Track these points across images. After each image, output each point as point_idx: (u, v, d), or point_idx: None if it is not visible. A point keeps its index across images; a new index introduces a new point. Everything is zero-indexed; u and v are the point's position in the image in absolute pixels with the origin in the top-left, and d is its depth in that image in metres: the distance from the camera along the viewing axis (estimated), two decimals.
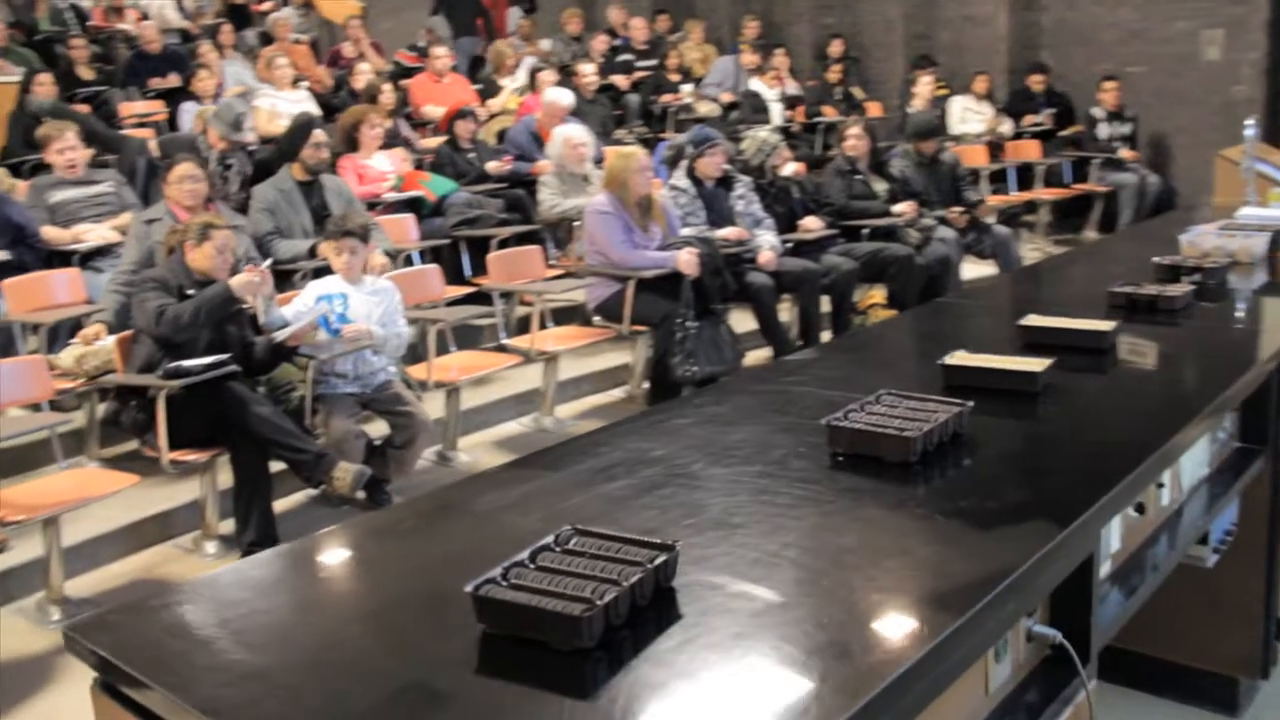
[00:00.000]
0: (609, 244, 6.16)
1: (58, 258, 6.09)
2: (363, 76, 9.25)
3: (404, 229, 6.78)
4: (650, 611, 1.62)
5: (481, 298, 6.52)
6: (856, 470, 2.13)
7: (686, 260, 6.04)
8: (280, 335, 4.78)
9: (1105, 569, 2.26)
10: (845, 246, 6.97)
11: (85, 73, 9.76)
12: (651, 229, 6.27)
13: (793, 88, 10.87)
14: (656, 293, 6.09)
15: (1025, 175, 9.58)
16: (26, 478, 4.66)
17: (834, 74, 10.84)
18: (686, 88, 10.56)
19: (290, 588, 1.91)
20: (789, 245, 6.81)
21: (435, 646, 1.60)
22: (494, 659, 1.55)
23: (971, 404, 2.29)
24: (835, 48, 11.20)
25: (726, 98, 10.05)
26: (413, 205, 7.35)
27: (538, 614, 1.52)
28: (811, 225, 6.96)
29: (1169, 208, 9.25)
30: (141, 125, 8.98)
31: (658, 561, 1.64)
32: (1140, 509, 2.38)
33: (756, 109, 10.14)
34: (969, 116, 9.79)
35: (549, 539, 1.72)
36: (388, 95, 8.64)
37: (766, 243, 6.58)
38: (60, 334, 5.44)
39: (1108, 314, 3.27)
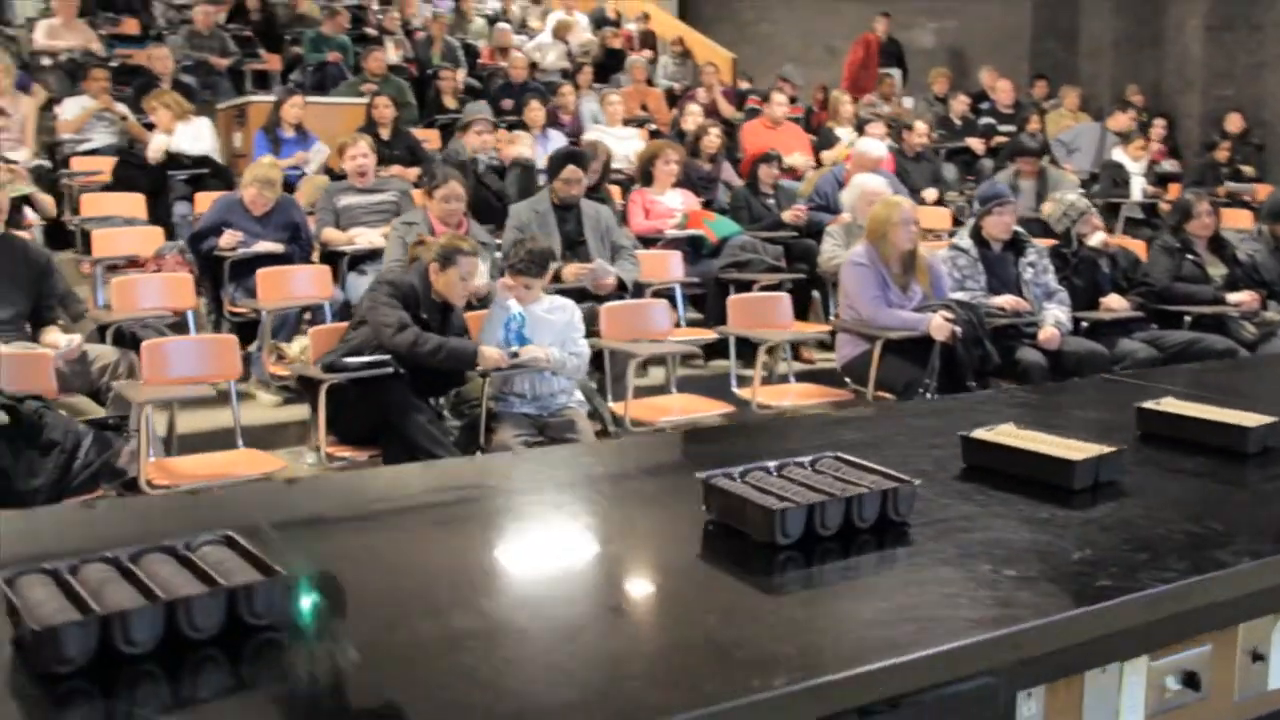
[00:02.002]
0: (860, 298, 5.62)
1: (337, 257, 6.43)
2: (692, 118, 9.22)
3: (664, 266, 6.57)
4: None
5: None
6: (713, 546, 1.60)
7: (938, 325, 5.38)
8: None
9: None
10: (1154, 333, 5.96)
11: (449, 102, 10.42)
12: (912, 287, 5.66)
13: (1170, 165, 9.67)
14: (904, 357, 5.48)
15: None
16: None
17: (1222, 151, 9.53)
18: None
19: None
20: (1084, 325, 5.93)
21: None
22: None
23: (918, 483, 1.68)
24: (1234, 123, 9.86)
25: (1068, 169, 9.05)
26: (695, 244, 7.16)
27: None
28: (1115, 305, 6.02)
29: None
30: None
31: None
32: (1193, 683, 1.66)
33: (1117, 182, 9.08)
34: None
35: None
36: (713, 138, 8.49)
37: (1052, 318, 5.75)
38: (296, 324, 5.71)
39: None
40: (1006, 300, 5.77)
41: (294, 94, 8.22)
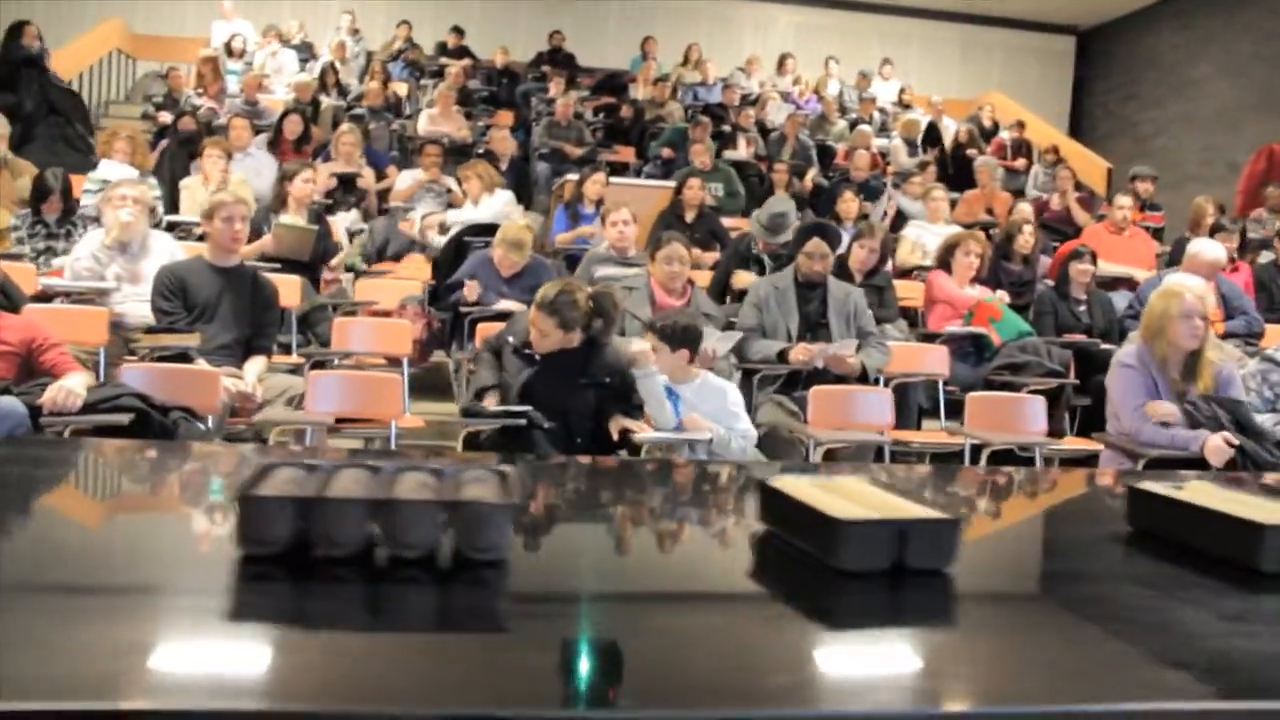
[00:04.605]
0: (1123, 407, 4.68)
1: None
2: (1017, 216, 8.47)
3: (918, 359, 5.88)
4: None
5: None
6: None
7: (1215, 448, 4.34)
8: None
9: None
10: None
11: (780, 193, 10.20)
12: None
13: None
14: None
15: None
16: None
17: None
18: None
19: None
20: None
21: None
22: None
23: None
24: None
25: None
26: (978, 344, 6.41)
27: None
28: None
29: None
30: None
31: None
32: None
33: None
34: None
35: None
36: (1026, 236, 7.68)
37: None
38: None
39: None
40: None
41: (598, 171, 8.30)
